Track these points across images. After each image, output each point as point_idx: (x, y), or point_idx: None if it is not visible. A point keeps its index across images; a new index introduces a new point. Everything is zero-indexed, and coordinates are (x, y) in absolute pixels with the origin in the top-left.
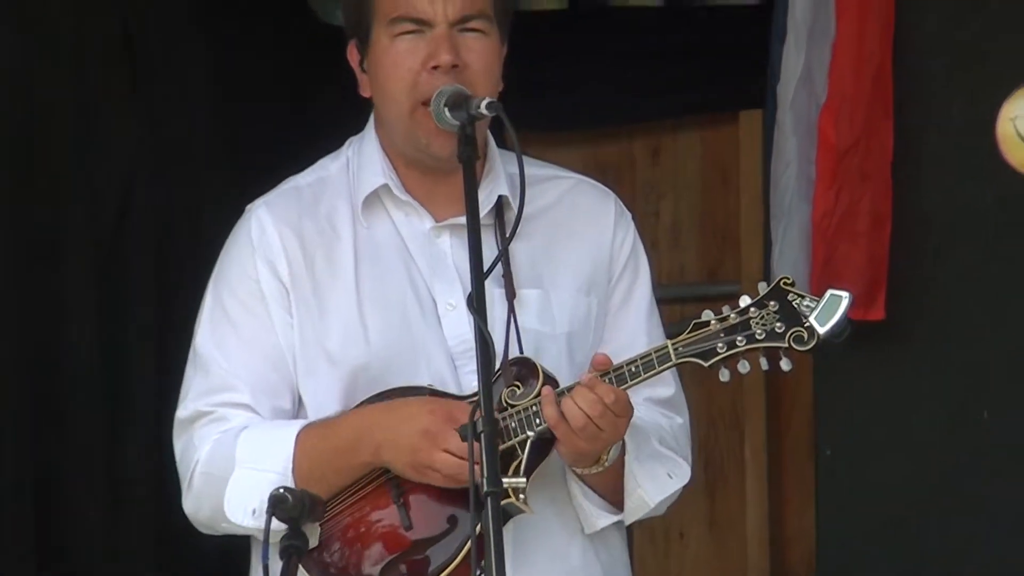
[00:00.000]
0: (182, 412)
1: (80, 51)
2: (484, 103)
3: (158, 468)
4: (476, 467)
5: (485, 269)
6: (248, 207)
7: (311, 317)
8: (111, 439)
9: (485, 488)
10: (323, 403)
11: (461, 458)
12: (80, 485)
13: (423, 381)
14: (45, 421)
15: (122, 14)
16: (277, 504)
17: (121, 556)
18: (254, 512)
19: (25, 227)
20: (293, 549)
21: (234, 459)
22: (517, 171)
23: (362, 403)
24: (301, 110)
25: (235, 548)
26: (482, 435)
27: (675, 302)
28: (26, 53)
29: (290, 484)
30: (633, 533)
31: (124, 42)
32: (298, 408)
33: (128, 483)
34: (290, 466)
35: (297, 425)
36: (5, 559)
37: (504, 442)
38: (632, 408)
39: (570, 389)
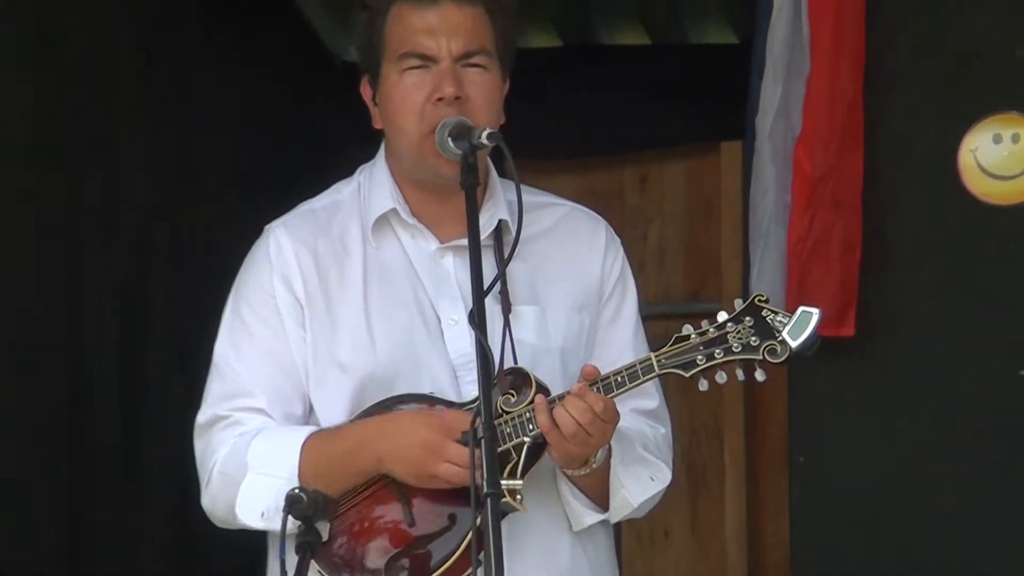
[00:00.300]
0: (201, 416)
1: (105, 87)
2: (485, 133)
3: (181, 470)
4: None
5: (485, 288)
6: (267, 227)
7: (323, 329)
8: (135, 443)
9: (485, 489)
10: (333, 408)
11: (461, 466)
12: (107, 487)
13: (425, 389)
14: (75, 426)
15: (145, 51)
16: (293, 504)
17: (143, 555)
18: (263, 515)
19: (52, 247)
20: (308, 545)
21: (246, 464)
22: (515, 198)
23: (368, 409)
24: (315, 139)
25: (252, 546)
26: (482, 441)
27: (661, 319)
28: (52, 90)
29: (298, 486)
30: (622, 533)
31: (145, 77)
32: (309, 413)
33: (152, 484)
34: (296, 472)
35: (304, 433)
36: (40, 559)
37: (500, 446)
38: (618, 415)
39: (561, 397)
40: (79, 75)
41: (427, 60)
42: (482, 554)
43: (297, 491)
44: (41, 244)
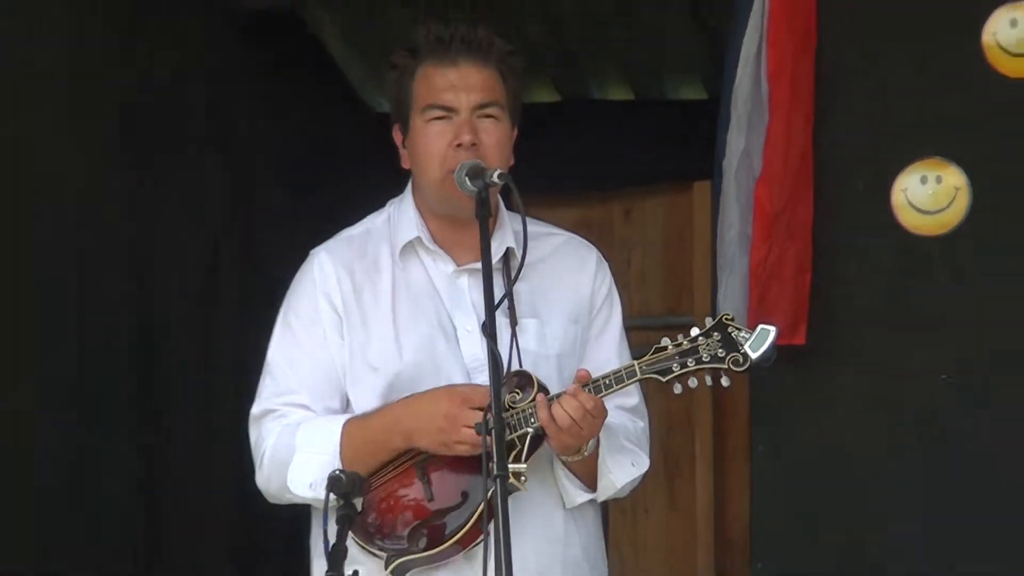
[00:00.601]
0: (255, 409)
1: (181, 128)
2: (496, 174)
3: (239, 460)
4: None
5: (495, 304)
6: (312, 251)
7: (358, 337)
8: (205, 438)
9: (495, 471)
10: (366, 403)
11: (478, 434)
12: (178, 472)
13: None
14: (148, 426)
15: (217, 102)
16: (334, 483)
17: (208, 528)
18: (311, 486)
19: (140, 274)
20: (346, 517)
21: (295, 446)
22: (521, 228)
23: (394, 402)
24: (352, 177)
25: (298, 519)
26: (493, 430)
27: (642, 330)
28: (141, 115)
29: (337, 465)
30: (609, 509)
31: (216, 123)
32: (346, 407)
33: (217, 468)
34: (337, 451)
35: (343, 419)
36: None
37: (507, 435)
38: (606, 412)
39: (559, 396)
40: (164, 119)
41: (449, 111)
42: (491, 524)
43: (338, 472)
44: (134, 258)
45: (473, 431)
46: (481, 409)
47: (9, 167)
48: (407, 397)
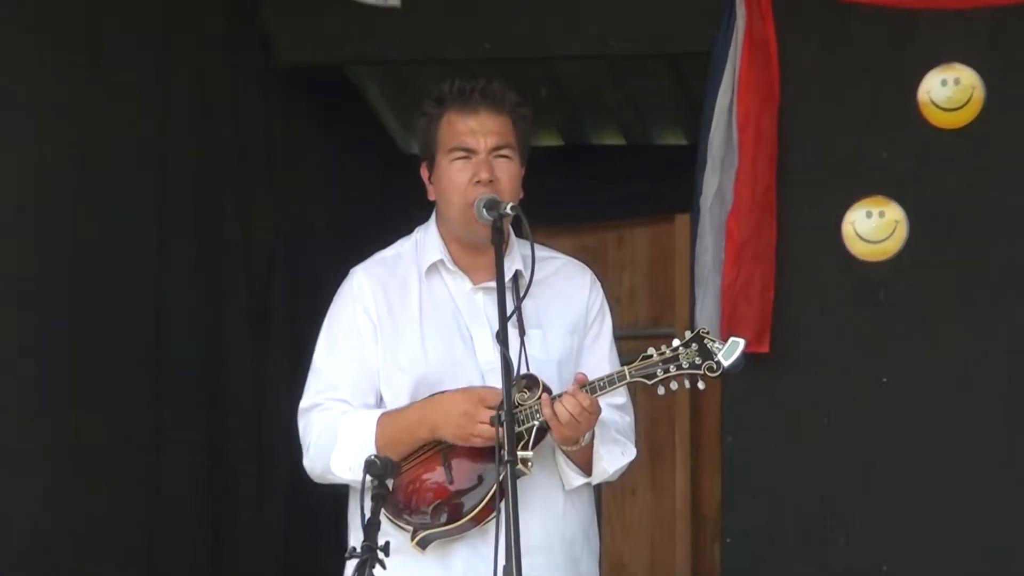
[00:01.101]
0: (303, 403)
1: (243, 172)
2: (509, 206)
3: (293, 448)
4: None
5: (507, 317)
6: (352, 270)
7: (390, 343)
8: (260, 432)
9: (506, 457)
10: (396, 399)
11: (491, 425)
12: (241, 462)
13: (463, 387)
14: (215, 414)
15: (272, 144)
16: (370, 466)
17: (267, 505)
18: (350, 469)
19: (202, 282)
20: (379, 496)
21: (337, 434)
22: (527, 252)
23: (421, 400)
24: (385, 208)
25: (338, 498)
26: (504, 423)
27: (630, 340)
28: (206, 154)
29: (373, 452)
30: (602, 491)
31: (271, 162)
32: (380, 402)
33: (272, 463)
34: (372, 440)
35: (377, 413)
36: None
37: (516, 428)
38: (600, 409)
39: (560, 396)
40: (228, 163)
41: (469, 152)
42: (501, 503)
43: (373, 457)
44: (203, 285)
45: (487, 426)
46: (494, 408)
47: (99, 206)
48: (432, 396)
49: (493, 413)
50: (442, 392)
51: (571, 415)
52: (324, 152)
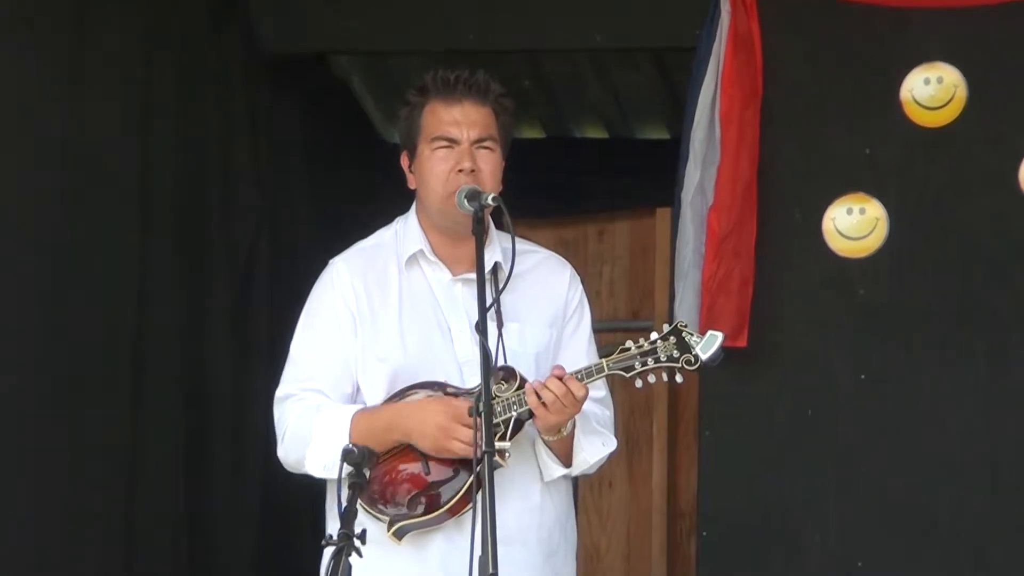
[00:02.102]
0: (279, 392)
1: (228, 162)
2: (490, 197)
3: (268, 446)
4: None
5: (486, 308)
6: (331, 261)
7: (368, 333)
8: (238, 424)
9: (483, 448)
10: (374, 389)
11: (465, 443)
12: (218, 450)
13: (440, 379)
14: (194, 406)
15: (258, 139)
16: (347, 455)
17: (246, 493)
18: (324, 467)
19: (184, 267)
20: (356, 485)
21: (312, 431)
22: (507, 245)
23: (400, 391)
24: (366, 195)
25: (315, 487)
26: (482, 415)
27: (610, 332)
28: (188, 145)
29: None
30: (578, 483)
31: (256, 156)
32: (357, 392)
33: (251, 457)
34: (346, 438)
35: (352, 411)
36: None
37: (494, 420)
38: (587, 393)
39: (544, 382)
40: (210, 153)
41: (451, 142)
42: (478, 494)
43: (351, 446)
44: (183, 270)
45: (462, 444)
46: (468, 426)
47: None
48: (408, 399)
49: (469, 431)
50: (415, 388)
51: (555, 396)
52: (306, 142)
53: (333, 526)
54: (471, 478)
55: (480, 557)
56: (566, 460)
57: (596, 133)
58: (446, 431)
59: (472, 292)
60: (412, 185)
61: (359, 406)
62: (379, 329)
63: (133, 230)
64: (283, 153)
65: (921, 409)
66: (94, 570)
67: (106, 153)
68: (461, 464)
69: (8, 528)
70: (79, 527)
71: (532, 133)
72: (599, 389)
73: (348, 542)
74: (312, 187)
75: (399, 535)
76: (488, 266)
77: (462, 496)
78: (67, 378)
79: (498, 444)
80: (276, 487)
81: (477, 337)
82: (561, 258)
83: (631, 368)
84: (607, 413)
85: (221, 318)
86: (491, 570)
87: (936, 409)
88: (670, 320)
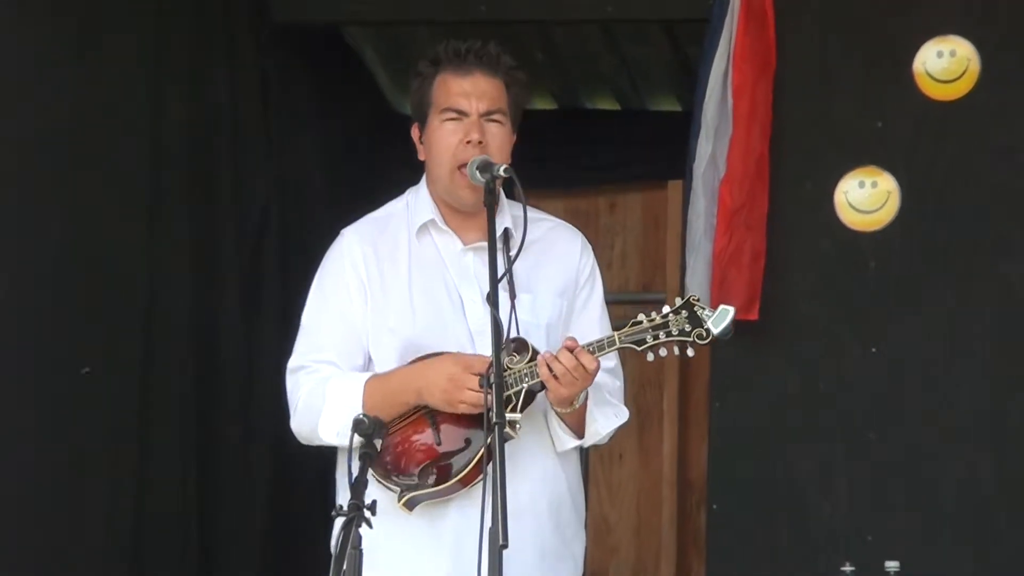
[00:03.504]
0: (291, 363)
1: (236, 129)
2: (503, 168)
3: (279, 417)
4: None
5: (498, 278)
6: (342, 231)
7: (379, 304)
8: (249, 393)
9: (495, 420)
10: (385, 360)
11: (478, 392)
12: (229, 419)
13: (451, 349)
14: (205, 388)
15: (267, 105)
16: (358, 425)
17: (256, 462)
18: (337, 434)
19: (195, 241)
20: (367, 456)
21: (325, 399)
22: (517, 212)
23: (410, 362)
24: (376, 167)
25: (325, 459)
26: (494, 386)
27: (621, 304)
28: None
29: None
30: (589, 456)
31: (266, 126)
32: (368, 363)
33: (261, 426)
34: (360, 403)
35: (364, 377)
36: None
37: (505, 391)
38: (599, 367)
39: (556, 353)
40: (222, 123)
41: (461, 114)
42: (489, 465)
43: (361, 416)
44: (194, 244)
45: (474, 393)
46: (481, 374)
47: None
48: (419, 361)
49: (479, 379)
50: (429, 355)
51: (567, 369)
52: (319, 112)
53: (343, 497)
54: (482, 449)
55: (491, 529)
56: (578, 431)
57: (607, 105)
58: (456, 381)
59: (483, 261)
60: (422, 156)
61: (371, 373)
62: (389, 299)
63: (145, 197)
64: (295, 123)
65: (931, 382)
66: (100, 559)
67: (119, 118)
68: (473, 434)
69: (15, 513)
70: (84, 500)
71: (543, 104)
72: (610, 359)
73: (359, 513)
74: (325, 157)
75: (410, 506)
76: (498, 231)
77: (474, 466)
78: (75, 348)
79: (509, 416)
80: (287, 465)
81: (489, 308)
82: (572, 227)
83: (643, 342)
84: (617, 383)
85: (233, 291)
86: (502, 541)
87: (946, 382)
88: (681, 293)
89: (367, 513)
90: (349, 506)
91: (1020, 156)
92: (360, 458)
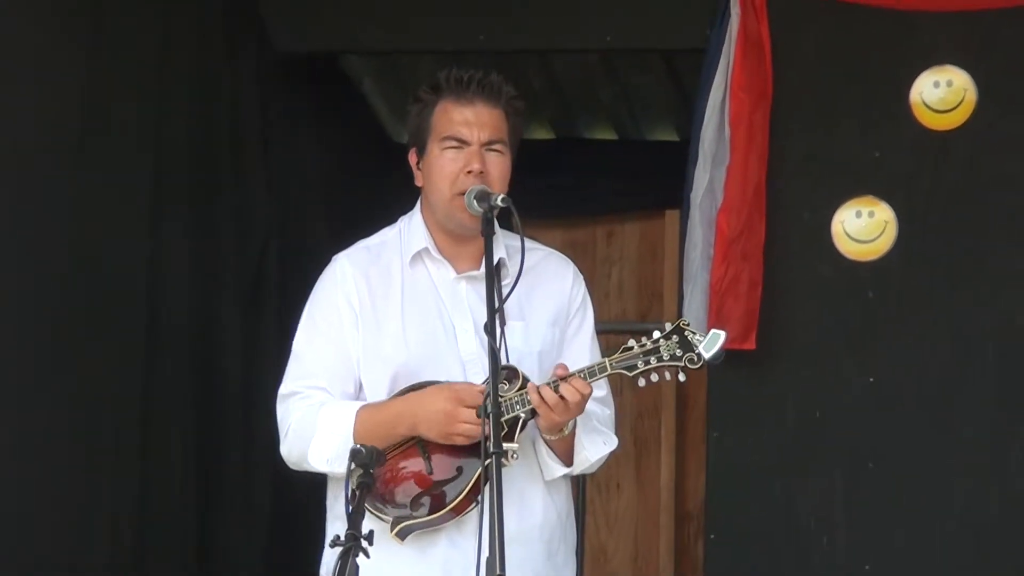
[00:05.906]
0: (282, 389)
1: (239, 157)
2: (500, 198)
3: (273, 439)
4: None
5: (496, 308)
6: (335, 257)
7: (371, 331)
8: (248, 416)
9: (492, 449)
10: (376, 388)
11: (472, 424)
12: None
13: (442, 379)
14: (205, 397)
15: (264, 122)
16: (355, 455)
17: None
18: (327, 461)
19: (197, 262)
20: (364, 485)
21: (316, 425)
22: (511, 242)
23: (400, 391)
24: (372, 193)
25: (317, 485)
26: (490, 415)
27: (618, 334)
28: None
29: (351, 445)
30: (586, 486)
31: (265, 149)
32: (359, 390)
33: (261, 435)
34: (351, 433)
35: (356, 406)
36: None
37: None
38: (591, 391)
39: (551, 382)
40: (220, 149)
41: (462, 143)
42: (482, 495)
43: (359, 446)
44: (195, 268)
45: (469, 425)
46: (473, 407)
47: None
48: (411, 391)
49: (473, 412)
50: (420, 386)
51: (559, 396)
52: (318, 140)
53: (334, 525)
54: (474, 478)
55: (487, 558)
56: (567, 459)
57: (605, 134)
58: (451, 416)
59: (475, 290)
60: (419, 182)
61: (363, 402)
62: (382, 326)
63: (146, 221)
64: (294, 150)
65: (930, 412)
66: (104, 563)
67: (123, 138)
68: (464, 463)
69: (16, 522)
70: (86, 505)
71: (542, 134)
72: (600, 388)
73: (355, 543)
74: (323, 186)
75: (402, 535)
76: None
77: (466, 495)
78: (76, 354)
79: (507, 445)
80: (287, 479)
81: (481, 336)
82: (563, 256)
83: (634, 367)
84: (607, 411)
85: (233, 312)
86: (499, 571)
87: (945, 412)
88: (673, 322)
89: (364, 544)
90: (346, 536)
91: (1017, 185)
92: (357, 487)
